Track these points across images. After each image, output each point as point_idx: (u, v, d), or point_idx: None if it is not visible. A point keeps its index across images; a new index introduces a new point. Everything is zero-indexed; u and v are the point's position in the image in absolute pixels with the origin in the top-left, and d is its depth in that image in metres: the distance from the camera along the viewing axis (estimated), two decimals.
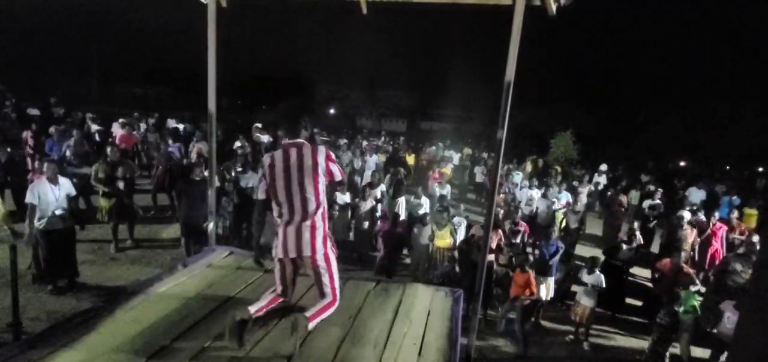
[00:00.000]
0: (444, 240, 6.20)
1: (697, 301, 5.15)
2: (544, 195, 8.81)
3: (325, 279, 2.58)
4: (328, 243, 2.61)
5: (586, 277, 5.59)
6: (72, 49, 30.12)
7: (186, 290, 2.90)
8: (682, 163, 20.77)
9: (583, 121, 22.50)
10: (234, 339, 2.19)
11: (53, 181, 4.94)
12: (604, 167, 13.78)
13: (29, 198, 4.82)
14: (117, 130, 11.32)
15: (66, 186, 5.13)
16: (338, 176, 2.61)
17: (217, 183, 6.89)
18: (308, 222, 2.49)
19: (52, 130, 9.73)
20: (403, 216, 8.78)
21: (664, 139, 24.16)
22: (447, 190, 9.04)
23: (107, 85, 30.15)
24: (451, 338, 2.63)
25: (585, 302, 5.53)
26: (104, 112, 15.20)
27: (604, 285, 5.57)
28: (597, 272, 5.61)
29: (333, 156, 2.59)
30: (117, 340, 2.23)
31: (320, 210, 2.53)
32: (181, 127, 14.38)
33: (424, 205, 7.34)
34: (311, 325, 2.33)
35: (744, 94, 23.15)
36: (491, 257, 5.95)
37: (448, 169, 11.73)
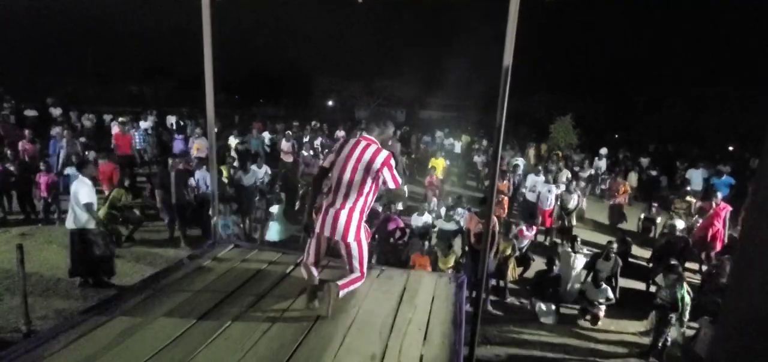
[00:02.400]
0: (447, 264, 6.12)
1: (687, 296, 5.09)
2: (546, 181, 8.78)
3: (356, 262, 2.82)
4: (362, 232, 2.80)
5: (593, 293, 5.62)
6: (67, 49, 29.99)
7: (192, 283, 2.93)
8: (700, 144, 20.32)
9: (582, 106, 22.42)
10: (312, 301, 2.58)
11: (94, 180, 5.14)
12: (604, 151, 13.76)
13: (90, 197, 4.97)
14: (115, 129, 11.29)
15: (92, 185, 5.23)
16: (391, 183, 2.75)
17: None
18: (346, 211, 2.69)
19: (55, 131, 9.76)
20: (400, 207, 8.79)
21: (664, 123, 24.09)
22: (434, 204, 8.70)
23: (103, 84, 30.03)
24: (455, 323, 2.67)
25: (593, 312, 5.60)
26: (100, 112, 15.15)
27: (612, 297, 5.65)
28: (603, 286, 5.63)
29: (392, 164, 2.73)
30: (125, 336, 2.26)
31: (360, 204, 2.71)
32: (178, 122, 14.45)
33: (427, 219, 7.15)
34: (342, 293, 2.63)
35: (744, 78, 23.09)
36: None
37: (442, 162, 11.45)
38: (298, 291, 2.83)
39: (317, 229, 2.76)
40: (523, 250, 7.02)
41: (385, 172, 2.68)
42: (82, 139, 10.73)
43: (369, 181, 2.69)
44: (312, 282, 2.66)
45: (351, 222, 2.69)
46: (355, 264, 2.82)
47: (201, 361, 2.11)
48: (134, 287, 2.85)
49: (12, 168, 7.56)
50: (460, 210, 7.32)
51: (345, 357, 2.23)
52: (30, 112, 14.63)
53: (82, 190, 4.94)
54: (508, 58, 2.76)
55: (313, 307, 2.58)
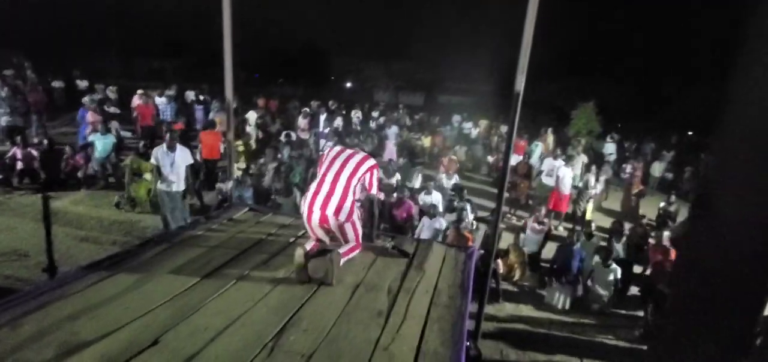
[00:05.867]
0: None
1: None
2: (566, 165, 8.58)
3: (351, 237, 2.81)
4: (355, 213, 2.82)
5: (602, 273, 5.53)
6: (90, 24, 30.61)
7: (208, 240, 3.02)
8: None
9: (608, 91, 21.59)
10: (300, 272, 2.51)
11: (171, 148, 5.34)
12: (615, 136, 13.35)
13: (152, 160, 5.38)
14: (136, 101, 11.58)
15: (183, 154, 5.44)
16: (374, 189, 2.92)
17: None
18: (337, 195, 2.71)
19: (85, 100, 10.14)
20: (417, 184, 8.80)
21: (693, 111, 23.06)
22: (455, 180, 8.52)
23: (126, 59, 30.68)
24: (463, 288, 2.69)
25: (600, 293, 5.48)
26: (124, 85, 15.48)
27: (620, 279, 5.53)
28: (613, 265, 5.53)
29: (376, 173, 2.92)
30: (143, 281, 2.36)
31: (350, 191, 2.75)
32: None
33: (436, 200, 7.16)
34: (343, 261, 2.65)
35: None
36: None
37: (460, 155, 11.15)
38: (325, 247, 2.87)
39: (306, 223, 2.77)
40: (535, 255, 6.49)
41: (373, 177, 2.88)
42: (111, 110, 11.08)
43: (356, 179, 2.78)
44: (299, 256, 2.52)
45: (344, 203, 2.70)
46: (350, 237, 2.80)
47: (214, 308, 2.19)
48: (154, 239, 2.95)
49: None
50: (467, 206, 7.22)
51: (352, 312, 2.28)
52: (57, 84, 15.12)
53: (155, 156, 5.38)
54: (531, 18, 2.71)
55: (304, 278, 2.52)
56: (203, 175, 7.72)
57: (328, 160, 2.85)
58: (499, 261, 5.71)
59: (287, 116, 14.46)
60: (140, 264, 2.57)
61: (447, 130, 15.71)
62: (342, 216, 2.70)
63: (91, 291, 2.22)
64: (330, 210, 2.68)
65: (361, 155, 2.87)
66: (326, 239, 2.89)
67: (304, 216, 2.78)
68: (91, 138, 8.10)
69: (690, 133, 20.38)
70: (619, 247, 6.12)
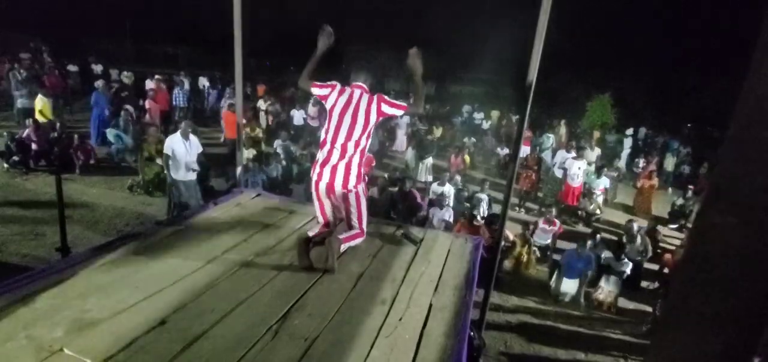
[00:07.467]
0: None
1: None
2: (575, 158, 8.47)
3: (354, 218, 2.78)
4: (361, 185, 2.76)
5: (613, 264, 5.47)
6: (107, 9, 30.93)
7: (216, 224, 3.06)
8: None
9: (624, 85, 21.08)
10: (302, 258, 2.50)
11: (185, 136, 5.38)
12: (629, 131, 13.10)
13: (165, 150, 5.42)
14: (152, 86, 11.74)
15: (196, 143, 5.50)
16: (399, 111, 2.75)
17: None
18: (345, 162, 2.65)
19: (97, 84, 10.29)
20: (430, 178, 8.78)
21: (711, 107, 22.47)
22: (457, 181, 8.51)
23: (141, 44, 31.01)
24: (468, 279, 2.68)
25: (609, 288, 5.42)
26: (138, 71, 15.67)
27: (629, 272, 5.48)
28: (625, 260, 5.49)
29: (386, 97, 2.70)
30: (152, 263, 2.41)
31: (357, 154, 2.67)
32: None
33: (448, 191, 7.20)
34: (343, 247, 2.62)
35: None
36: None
37: (468, 159, 11.04)
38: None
39: (314, 190, 2.74)
40: (545, 248, 6.61)
41: (386, 108, 2.66)
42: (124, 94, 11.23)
43: (366, 131, 2.67)
44: (303, 239, 2.54)
45: (349, 175, 2.65)
46: (354, 219, 2.78)
47: (221, 290, 2.22)
48: (163, 223, 3.00)
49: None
50: (479, 196, 7.22)
51: (356, 299, 2.29)
52: (72, 68, 15.39)
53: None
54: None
55: (306, 263, 2.50)
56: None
57: (338, 108, 2.67)
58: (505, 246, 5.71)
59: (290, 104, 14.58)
60: (149, 246, 2.62)
61: (458, 121, 15.59)
62: (351, 183, 2.65)
63: (102, 271, 2.27)
64: (338, 180, 2.63)
65: (366, 96, 2.69)
66: (332, 216, 2.87)
67: (313, 181, 2.73)
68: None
69: (708, 127, 19.88)
70: (633, 248, 6.02)
